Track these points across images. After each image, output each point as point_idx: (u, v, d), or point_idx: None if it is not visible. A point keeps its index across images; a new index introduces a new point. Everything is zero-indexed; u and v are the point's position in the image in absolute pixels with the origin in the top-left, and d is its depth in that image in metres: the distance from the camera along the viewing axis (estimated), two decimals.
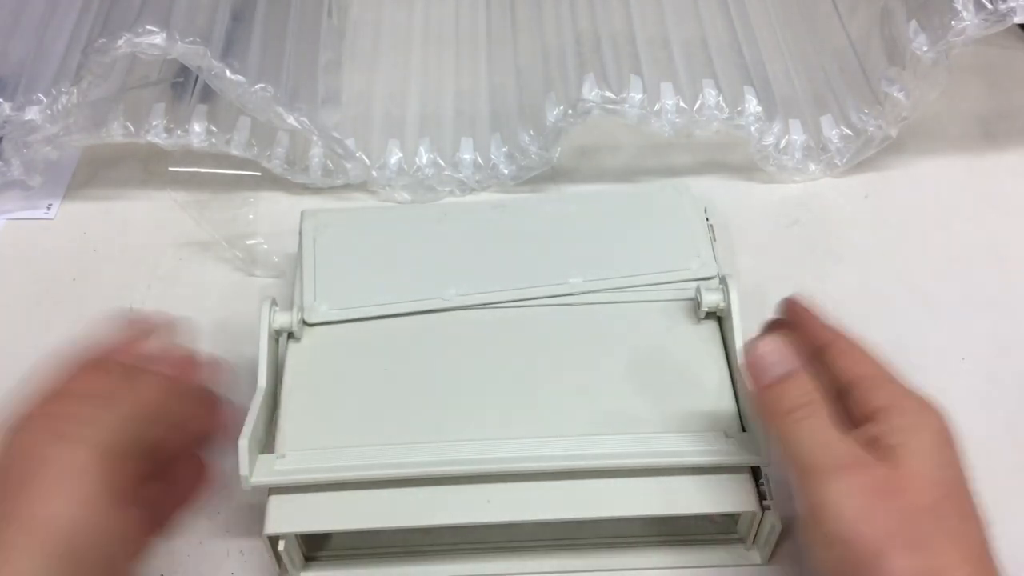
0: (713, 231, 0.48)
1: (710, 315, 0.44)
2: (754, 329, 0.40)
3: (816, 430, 0.34)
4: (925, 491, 0.32)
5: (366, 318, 0.45)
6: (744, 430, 0.40)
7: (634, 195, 0.51)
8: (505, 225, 0.49)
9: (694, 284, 0.45)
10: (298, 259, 0.47)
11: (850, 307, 0.51)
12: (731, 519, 0.43)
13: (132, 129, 0.54)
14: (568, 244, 0.47)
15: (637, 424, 0.40)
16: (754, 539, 0.41)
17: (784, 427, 0.35)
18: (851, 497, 0.32)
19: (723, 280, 0.43)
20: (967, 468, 0.35)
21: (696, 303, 0.43)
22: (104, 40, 0.49)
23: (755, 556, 0.42)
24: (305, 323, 0.44)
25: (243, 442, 0.38)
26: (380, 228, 0.49)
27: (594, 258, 0.46)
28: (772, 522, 0.39)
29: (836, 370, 0.36)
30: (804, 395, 0.35)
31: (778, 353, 0.36)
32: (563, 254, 0.47)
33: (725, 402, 0.41)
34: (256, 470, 0.38)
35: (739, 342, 0.42)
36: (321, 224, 0.49)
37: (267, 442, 0.41)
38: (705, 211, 0.49)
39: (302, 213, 0.50)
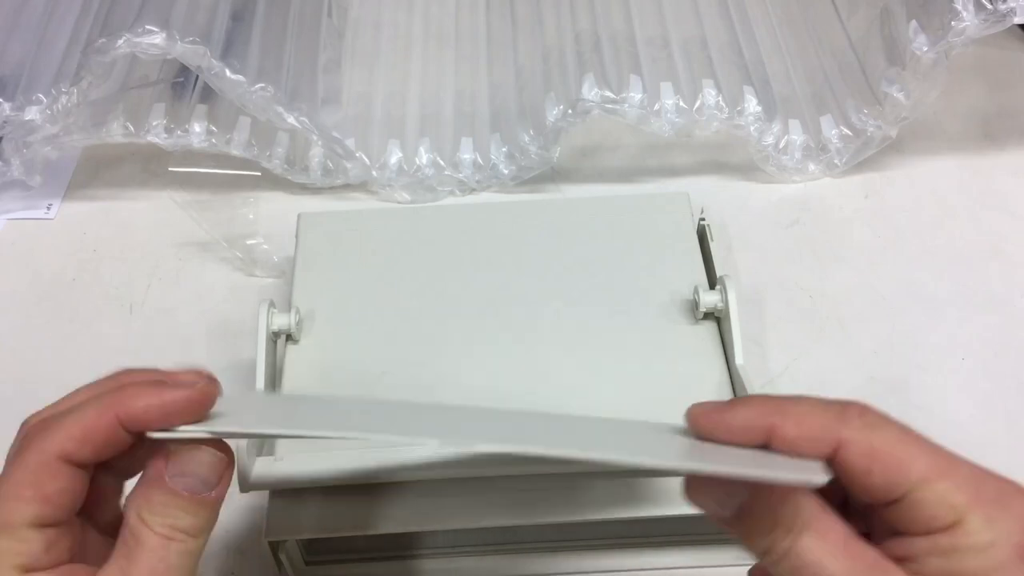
0: (711, 232, 0.48)
1: (708, 316, 0.44)
2: (753, 329, 0.40)
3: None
4: None
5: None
6: None
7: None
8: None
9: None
10: (293, 265, 0.47)
11: (850, 307, 0.52)
12: None
13: (132, 129, 0.54)
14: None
15: None
16: None
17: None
18: None
19: (721, 280, 0.43)
20: None
21: (694, 303, 0.43)
22: (104, 40, 0.49)
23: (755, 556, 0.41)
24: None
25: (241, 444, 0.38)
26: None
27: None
28: None
29: (866, 489, 0.26)
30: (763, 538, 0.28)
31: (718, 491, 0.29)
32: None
33: None
34: (254, 473, 0.38)
35: (738, 343, 0.41)
36: (316, 228, 0.48)
37: (267, 444, 0.41)
38: (702, 212, 0.48)
39: (299, 216, 0.50)
